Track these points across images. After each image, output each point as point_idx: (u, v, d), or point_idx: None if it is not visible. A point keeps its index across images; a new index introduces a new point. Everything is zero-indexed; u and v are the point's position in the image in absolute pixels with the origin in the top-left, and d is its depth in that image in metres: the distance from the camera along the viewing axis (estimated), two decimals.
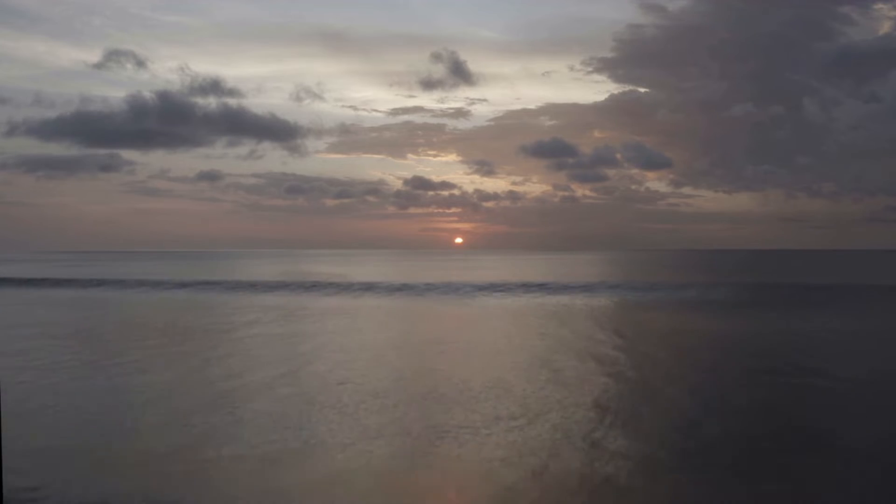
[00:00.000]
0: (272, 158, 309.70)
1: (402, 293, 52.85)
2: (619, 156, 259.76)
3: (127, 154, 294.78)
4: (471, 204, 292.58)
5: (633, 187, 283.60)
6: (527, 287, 52.73)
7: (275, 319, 36.83)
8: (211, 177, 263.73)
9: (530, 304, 44.15)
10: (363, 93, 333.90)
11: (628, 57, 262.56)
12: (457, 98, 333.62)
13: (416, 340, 28.23)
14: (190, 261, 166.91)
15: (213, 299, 50.81)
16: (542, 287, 52.39)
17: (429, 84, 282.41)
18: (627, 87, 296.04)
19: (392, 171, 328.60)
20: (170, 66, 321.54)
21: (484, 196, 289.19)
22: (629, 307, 42.96)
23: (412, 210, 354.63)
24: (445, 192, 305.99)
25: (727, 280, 64.65)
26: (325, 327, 33.19)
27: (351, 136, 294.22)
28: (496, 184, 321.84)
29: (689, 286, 54.02)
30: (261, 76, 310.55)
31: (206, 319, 37.17)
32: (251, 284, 60.51)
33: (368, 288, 56.37)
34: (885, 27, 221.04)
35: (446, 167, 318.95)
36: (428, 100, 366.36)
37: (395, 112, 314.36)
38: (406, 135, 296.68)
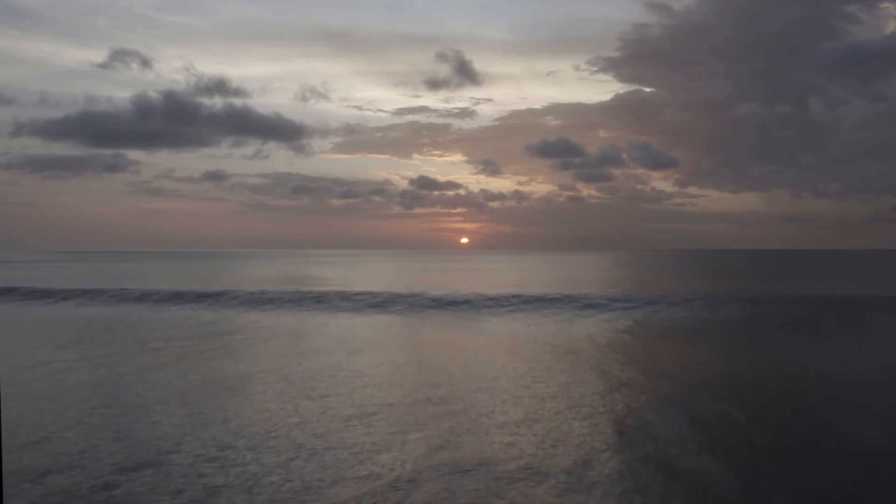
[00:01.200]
0: (277, 158, 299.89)
1: (398, 308, 41.26)
2: (624, 155, 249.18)
3: (132, 154, 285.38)
4: (476, 204, 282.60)
5: (639, 187, 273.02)
6: (546, 302, 40.98)
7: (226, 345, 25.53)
8: (216, 177, 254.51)
9: (557, 328, 32.66)
10: (368, 93, 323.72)
11: (633, 56, 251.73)
12: (462, 98, 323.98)
13: (412, 404, 16.86)
14: (187, 262, 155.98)
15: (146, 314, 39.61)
16: (564, 301, 40.60)
17: (434, 84, 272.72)
18: (633, 87, 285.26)
19: (397, 170, 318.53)
20: (175, 66, 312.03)
21: (489, 196, 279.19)
22: (682, 333, 31.50)
23: (417, 210, 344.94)
24: (451, 192, 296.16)
25: (767, 291, 53.43)
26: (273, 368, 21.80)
27: (356, 136, 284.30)
28: (501, 184, 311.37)
29: (733, 299, 42.50)
30: (266, 76, 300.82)
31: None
32: (231, 296, 49.07)
33: (358, 299, 44.79)
34: (891, 26, 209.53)
35: (452, 167, 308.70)
36: (433, 100, 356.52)
37: (401, 112, 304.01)
38: (411, 135, 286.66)
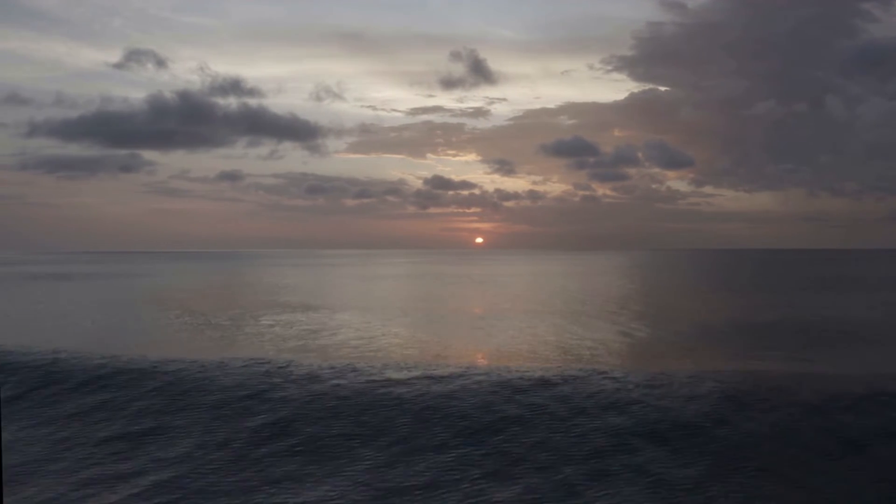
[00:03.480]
0: (292, 158, 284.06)
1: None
2: (640, 154, 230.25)
3: (147, 154, 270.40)
4: (491, 203, 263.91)
5: (654, 186, 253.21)
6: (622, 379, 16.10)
7: None
8: (231, 177, 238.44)
9: None
10: (383, 92, 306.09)
11: (648, 55, 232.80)
12: (476, 97, 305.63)
13: None
14: (187, 263, 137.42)
15: None
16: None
17: (448, 83, 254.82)
18: (647, 86, 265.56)
19: (412, 170, 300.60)
20: (190, 67, 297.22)
21: (504, 195, 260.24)
22: None
23: (432, 210, 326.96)
24: (465, 192, 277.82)
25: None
26: None
27: (371, 136, 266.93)
28: (516, 183, 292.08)
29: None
30: (281, 76, 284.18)
31: None
32: None
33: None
34: None
35: (466, 167, 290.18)
36: (447, 99, 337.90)
37: (415, 112, 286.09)
38: (425, 134, 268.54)
